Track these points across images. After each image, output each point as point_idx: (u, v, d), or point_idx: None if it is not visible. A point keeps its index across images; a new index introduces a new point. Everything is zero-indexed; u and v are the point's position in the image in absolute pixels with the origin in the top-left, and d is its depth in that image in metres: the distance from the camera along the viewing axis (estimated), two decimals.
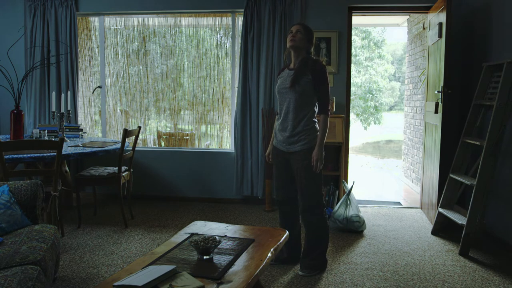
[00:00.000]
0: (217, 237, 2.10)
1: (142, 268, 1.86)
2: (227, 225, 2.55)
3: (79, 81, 5.14)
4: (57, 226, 3.41)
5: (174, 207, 4.72)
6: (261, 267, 1.92)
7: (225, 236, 2.30)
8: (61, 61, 4.94)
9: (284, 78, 2.94)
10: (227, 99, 5.15)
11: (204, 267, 1.91)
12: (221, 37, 5.17)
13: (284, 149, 2.96)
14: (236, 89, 4.83)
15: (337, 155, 4.57)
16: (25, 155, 3.41)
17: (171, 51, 5.23)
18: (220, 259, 1.99)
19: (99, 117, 5.45)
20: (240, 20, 4.87)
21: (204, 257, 1.98)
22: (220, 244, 2.13)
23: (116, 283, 1.71)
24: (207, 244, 1.98)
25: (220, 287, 1.70)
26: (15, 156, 3.38)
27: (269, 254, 2.05)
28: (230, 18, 4.95)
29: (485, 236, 3.69)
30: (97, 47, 5.31)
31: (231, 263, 1.93)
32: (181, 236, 2.33)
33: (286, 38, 2.96)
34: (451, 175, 3.85)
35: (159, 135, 5.52)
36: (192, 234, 2.33)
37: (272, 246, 2.15)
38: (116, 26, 5.23)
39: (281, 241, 2.25)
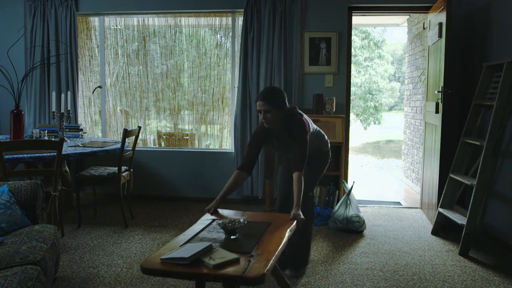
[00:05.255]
0: (241, 219, 2.29)
1: (180, 246, 2.03)
2: (242, 212, 2.76)
3: (79, 81, 5.14)
4: (57, 226, 3.41)
5: (174, 207, 4.72)
6: (283, 242, 2.14)
7: (245, 220, 2.41)
8: (61, 61, 4.94)
9: (278, 146, 2.94)
10: (227, 99, 5.15)
11: (234, 245, 2.11)
12: (221, 37, 5.17)
13: None
14: (236, 89, 4.83)
15: (337, 155, 4.57)
16: (25, 155, 3.40)
17: (171, 51, 5.23)
18: (246, 238, 2.19)
19: (99, 117, 5.45)
20: (240, 20, 4.87)
21: (232, 237, 2.19)
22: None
23: (163, 257, 1.87)
24: (234, 225, 2.21)
25: (252, 259, 1.90)
26: (15, 156, 3.38)
27: (287, 233, 2.26)
28: (230, 18, 4.95)
29: (485, 236, 3.69)
30: (97, 47, 5.31)
31: (257, 240, 2.15)
32: (203, 222, 2.48)
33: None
34: (451, 175, 3.85)
35: (159, 135, 5.52)
36: (213, 220, 2.48)
37: (287, 227, 2.35)
38: (116, 26, 5.23)
39: (294, 224, 2.43)
